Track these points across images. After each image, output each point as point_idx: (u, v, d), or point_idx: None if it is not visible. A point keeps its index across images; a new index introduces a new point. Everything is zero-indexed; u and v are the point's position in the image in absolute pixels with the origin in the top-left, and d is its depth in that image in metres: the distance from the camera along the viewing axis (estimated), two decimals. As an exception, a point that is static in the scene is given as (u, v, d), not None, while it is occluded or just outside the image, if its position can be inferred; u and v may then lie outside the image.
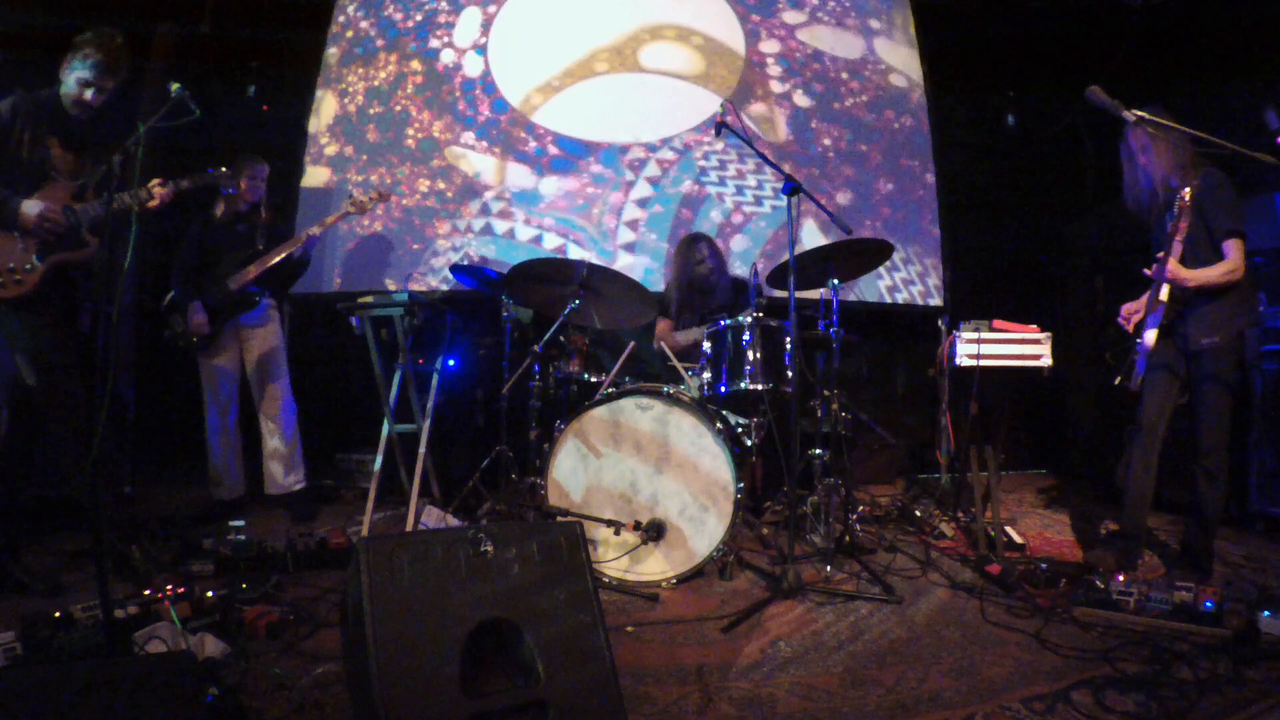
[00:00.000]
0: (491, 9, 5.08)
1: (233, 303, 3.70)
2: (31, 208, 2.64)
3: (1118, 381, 2.94)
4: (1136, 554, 2.92)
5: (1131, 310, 2.95)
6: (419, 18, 5.10)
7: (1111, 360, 2.98)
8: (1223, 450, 2.77)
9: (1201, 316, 2.77)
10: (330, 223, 3.93)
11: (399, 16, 5.11)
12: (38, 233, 2.66)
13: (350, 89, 5.03)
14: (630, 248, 4.84)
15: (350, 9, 5.14)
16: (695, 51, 5.07)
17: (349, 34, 5.11)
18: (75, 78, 2.71)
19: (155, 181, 2.78)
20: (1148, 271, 2.80)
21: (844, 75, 5.18)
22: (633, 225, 4.88)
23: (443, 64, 5.01)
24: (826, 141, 5.10)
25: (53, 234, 2.69)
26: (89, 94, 2.73)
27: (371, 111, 4.98)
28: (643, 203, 4.90)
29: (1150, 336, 2.80)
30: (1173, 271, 2.72)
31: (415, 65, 5.01)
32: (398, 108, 4.97)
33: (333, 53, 5.08)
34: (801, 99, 5.12)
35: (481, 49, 5.01)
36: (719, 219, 4.93)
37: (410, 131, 4.95)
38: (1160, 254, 2.75)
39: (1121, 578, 2.48)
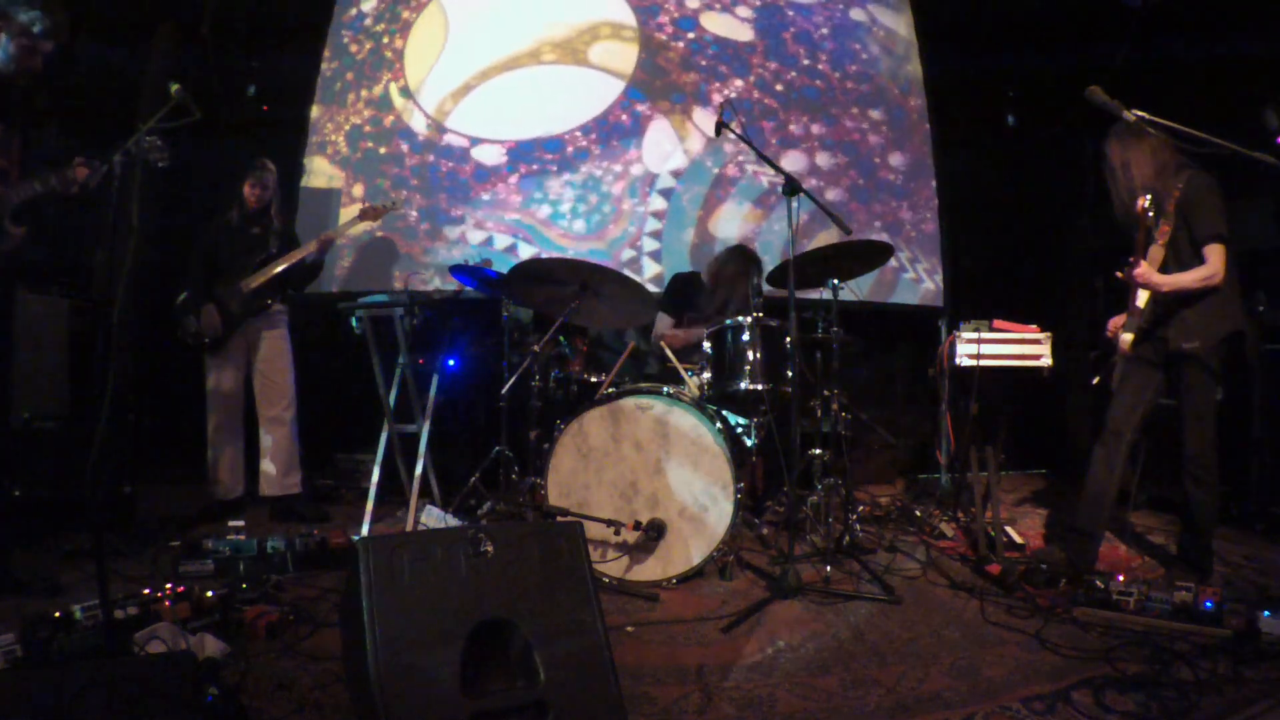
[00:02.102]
0: (400, 42, 5.11)
1: (246, 305, 3.71)
2: None
3: (1096, 381, 2.93)
4: (1092, 553, 2.88)
5: (1118, 323, 2.94)
6: (369, 45, 5.14)
7: (1097, 360, 2.97)
8: (1209, 454, 2.74)
9: (1181, 320, 2.74)
10: (344, 229, 3.96)
11: (355, 49, 5.15)
12: None
13: (329, 139, 5.06)
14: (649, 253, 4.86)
15: (326, 53, 5.17)
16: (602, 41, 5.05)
17: (317, 81, 5.15)
18: (17, 44, 2.49)
19: (77, 160, 2.53)
20: (1120, 274, 2.77)
21: (843, 73, 5.19)
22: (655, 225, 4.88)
23: (387, 95, 5.06)
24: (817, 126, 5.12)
25: None
26: (33, 60, 2.50)
27: (361, 146, 5.04)
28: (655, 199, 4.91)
29: (1126, 339, 2.79)
30: (1144, 275, 2.69)
31: (369, 112, 5.07)
32: (378, 142, 5.02)
33: (317, 110, 5.10)
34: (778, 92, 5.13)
35: (407, 91, 5.04)
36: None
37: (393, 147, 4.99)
38: (1132, 257, 2.72)
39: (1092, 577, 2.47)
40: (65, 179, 2.47)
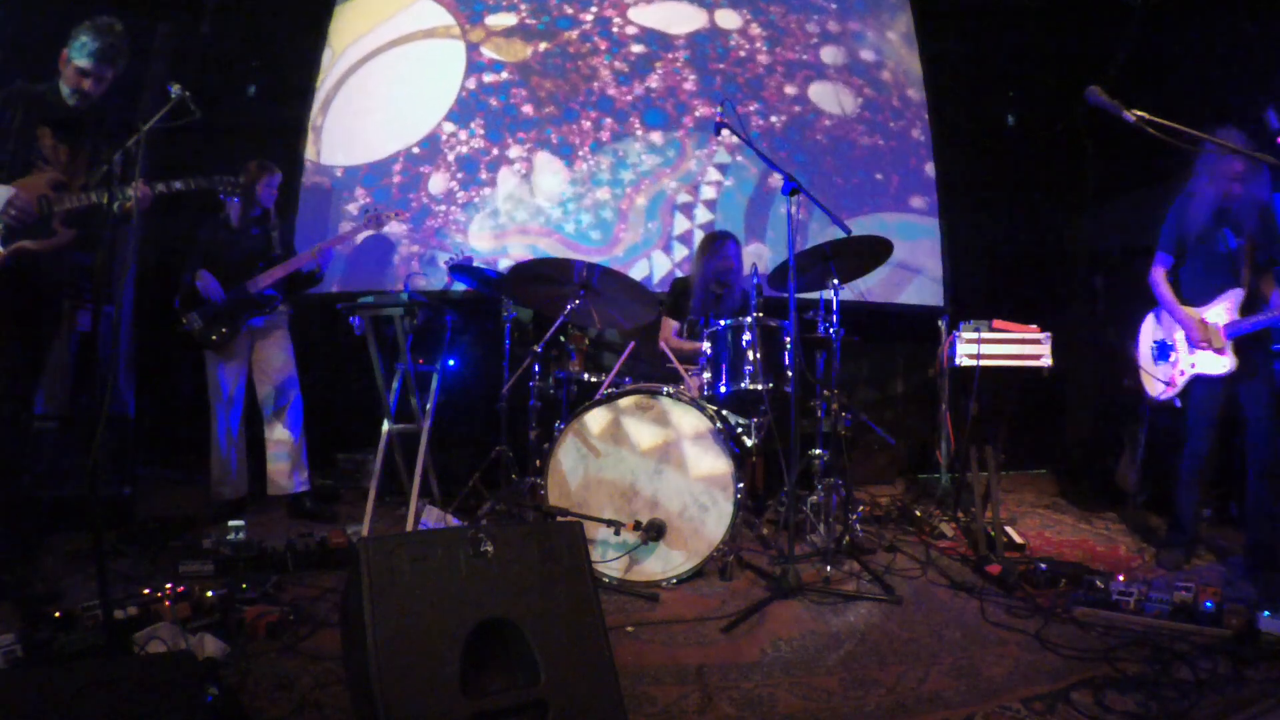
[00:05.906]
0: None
1: (251, 304, 3.72)
2: (1, 193, 2.54)
3: (1127, 383, 2.97)
4: (1192, 554, 3.12)
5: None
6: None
7: (1122, 364, 3.02)
8: None
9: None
10: (345, 236, 3.97)
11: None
12: (2, 217, 2.56)
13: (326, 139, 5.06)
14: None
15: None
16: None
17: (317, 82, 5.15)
18: (73, 67, 2.63)
19: (138, 182, 2.65)
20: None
21: (842, 76, 5.19)
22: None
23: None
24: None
25: (19, 221, 2.58)
26: (87, 84, 2.65)
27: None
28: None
29: (1227, 355, 2.91)
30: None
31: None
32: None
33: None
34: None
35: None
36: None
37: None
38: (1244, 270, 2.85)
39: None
40: (122, 196, 2.59)
